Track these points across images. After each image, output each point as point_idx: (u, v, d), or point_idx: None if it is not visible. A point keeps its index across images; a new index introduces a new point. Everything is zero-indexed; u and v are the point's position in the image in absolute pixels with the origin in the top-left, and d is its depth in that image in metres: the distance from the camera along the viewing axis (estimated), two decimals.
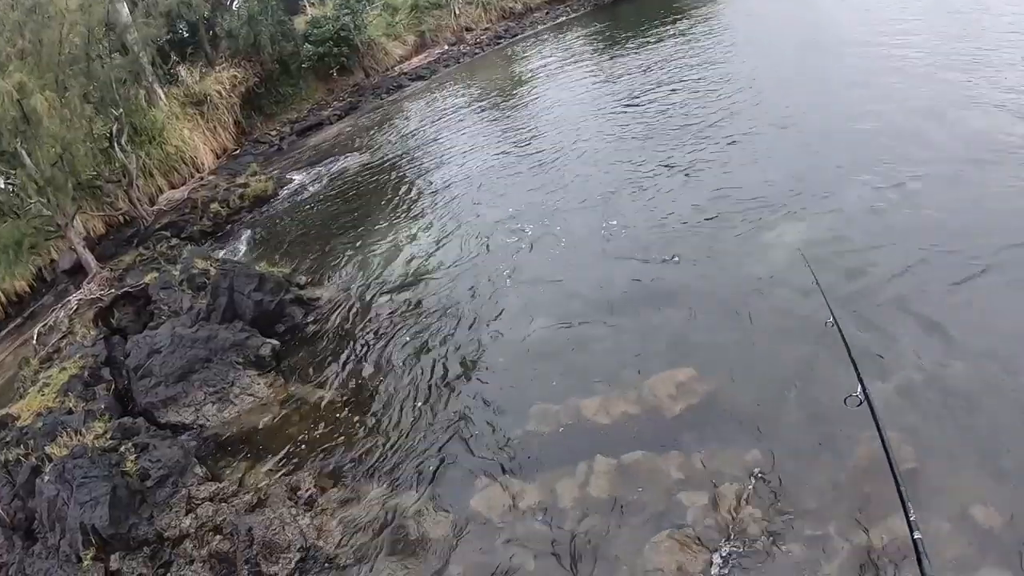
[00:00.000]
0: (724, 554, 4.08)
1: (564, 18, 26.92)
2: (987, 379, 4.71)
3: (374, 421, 6.32)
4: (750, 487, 4.42)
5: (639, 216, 8.29)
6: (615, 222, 8.33)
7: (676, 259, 7.15)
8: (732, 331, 5.97)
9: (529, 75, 18.68)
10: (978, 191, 6.59)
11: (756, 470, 4.54)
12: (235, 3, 24.62)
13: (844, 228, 6.71)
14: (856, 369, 3.52)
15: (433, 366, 6.80)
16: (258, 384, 7.42)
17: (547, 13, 28.28)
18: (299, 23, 23.53)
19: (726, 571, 4.00)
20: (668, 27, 18.54)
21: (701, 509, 4.38)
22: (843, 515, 4.09)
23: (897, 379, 4.86)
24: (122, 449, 6.15)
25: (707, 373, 5.51)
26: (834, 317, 4.33)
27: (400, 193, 12.06)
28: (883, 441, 2.97)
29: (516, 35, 25.94)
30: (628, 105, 12.47)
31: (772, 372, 5.41)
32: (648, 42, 17.54)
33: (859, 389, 3.48)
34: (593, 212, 8.77)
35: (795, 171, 8.07)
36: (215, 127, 19.11)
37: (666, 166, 9.29)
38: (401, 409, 6.33)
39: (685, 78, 12.97)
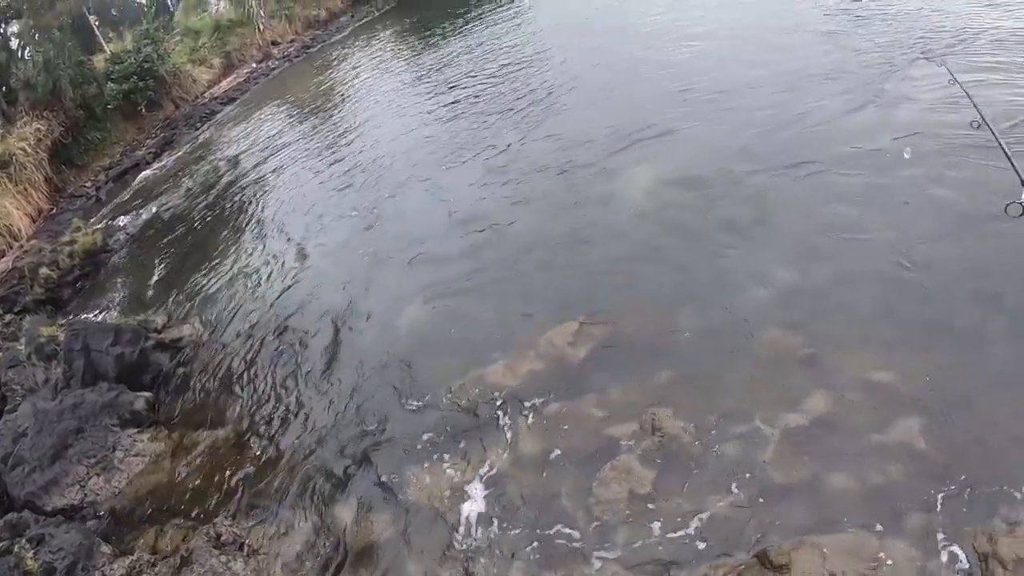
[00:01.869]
0: (664, 469, 4.33)
1: (370, 18, 26.84)
2: (844, 274, 5.37)
3: (273, 447, 6.06)
4: (669, 408, 4.68)
5: (473, 191, 8.67)
6: (452, 199, 8.70)
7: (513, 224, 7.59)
8: (604, 274, 6.33)
9: (341, 81, 18.51)
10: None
11: (672, 389, 4.84)
12: (27, 51, 22.67)
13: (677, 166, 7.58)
14: None
15: (316, 377, 6.64)
16: (141, 442, 6.86)
17: (352, 16, 28.02)
18: (99, 62, 21.80)
19: (671, 483, 4.24)
20: (473, 13, 19.00)
21: (631, 436, 4.61)
22: (765, 405, 4.44)
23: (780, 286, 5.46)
24: (16, 548, 5.52)
25: (596, 315, 5.78)
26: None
27: (233, 220, 11.69)
28: None
29: (325, 42, 25.52)
30: (445, 98, 12.71)
31: (659, 302, 5.74)
32: (456, 31, 17.84)
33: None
34: (429, 197, 9.05)
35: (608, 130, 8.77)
36: (26, 188, 17.60)
37: (491, 146, 9.72)
38: (296, 426, 6.12)
39: (495, 62, 13.42)
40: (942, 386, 4.29)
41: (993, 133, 4.23)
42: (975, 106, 4.77)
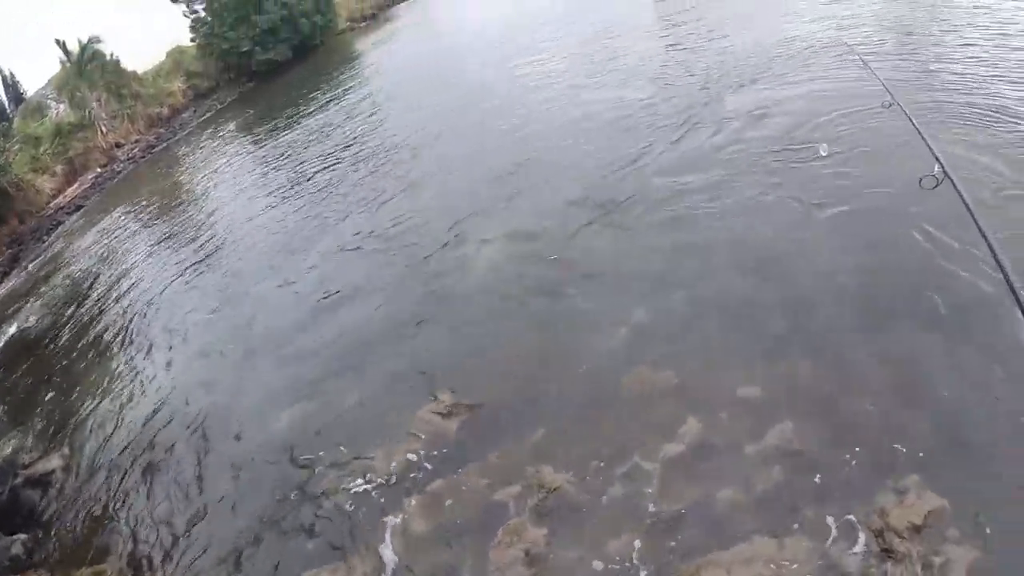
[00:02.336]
0: (556, 524, 4.40)
1: (212, 112, 26.76)
2: (698, 298, 5.67)
3: (171, 562, 5.68)
4: (549, 463, 4.72)
5: (330, 276, 8.63)
6: (309, 287, 8.59)
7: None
8: (465, 341, 6.38)
9: (189, 179, 18.08)
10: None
11: (549, 444, 4.90)
12: None
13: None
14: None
15: (193, 493, 6.32)
16: None
17: (195, 111, 27.88)
18: None
19: (565, 536, 4.29)
20: (315, 95, 19.56)
21: (518, 498, 4.65)
22: (643, 442, 4.53)
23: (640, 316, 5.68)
24: None
25: (464, 385, 5.73)
26: None
27: (94, 336, 11.02)
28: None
29: (170, 140, 25.10)
30: (293, 185, 12.69)
31: (522, 360, 5.77)
32: (300, 115, 18.10)
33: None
34: (287, 287, 8.92)
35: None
36: None
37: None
38: (177, 550, 5.77)
39: (340, 142, 13.74)
40: (806, 387, 4.52)
41: (904, 111, 4.30)
42: (886, 87, 4.94)
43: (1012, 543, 3.28)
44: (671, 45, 12.82)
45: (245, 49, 32.04)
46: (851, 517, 3.66)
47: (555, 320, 6.12)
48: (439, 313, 6.90)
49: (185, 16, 34.18)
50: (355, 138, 13.85)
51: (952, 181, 3.20)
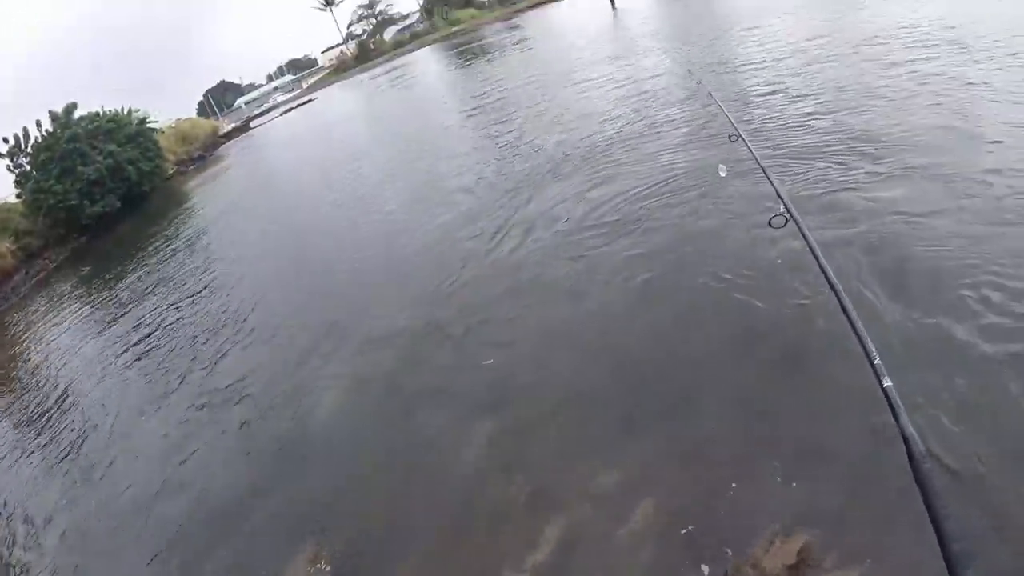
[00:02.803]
0: None
1: (45, 272, 25.78)
2: (551, 391, 5.72)
3: None
4: None
5: (173, 445, 8.19)
6: (152, 462, 8.05)
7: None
8: (319, 489, 6.17)
9: (21, 350, 16.71)
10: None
11: None
12: None
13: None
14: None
15: None
16: None
17: (27, 272, 26.57)
18: None
19: None
20: (148, 247, 19.50)
21: None
22: (508, 556, 4.40)
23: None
24: None
25: (326, 533, 5.47)
26: None
27: None
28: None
29: (1, 307, 23.24)
30: (131, 347, 12.08)
31: (376, 496, 5.66)
32: (133, 270, 17.87)
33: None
34: (132, 463, 8.36)
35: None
36: None
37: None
38: None
39: (175, 296, 13.46)
40: (663, 458, 4.55)
41: (748, 147, 4.53)
42: (731, 121, 5.26)
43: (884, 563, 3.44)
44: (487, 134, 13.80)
45: (73, 203, 30.88)
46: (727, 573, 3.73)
47: (397, 447, 6.05)
48: (288, 465, 6.66)
49: (9, 171, 32.99)
50: (189, 290, 13.72)
51: (796, 220, 3.50)
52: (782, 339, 5.11)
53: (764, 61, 13.30)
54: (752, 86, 11.78)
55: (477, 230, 9.63)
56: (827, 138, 8.33)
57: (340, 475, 6.14)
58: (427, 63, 49.26)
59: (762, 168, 4.29)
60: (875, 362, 2.41)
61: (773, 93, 10.98)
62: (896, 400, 2.26)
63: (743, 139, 4.93)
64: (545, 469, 4.97)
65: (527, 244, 8.59)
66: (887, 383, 2.32)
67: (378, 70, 62.10)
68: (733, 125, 5.36)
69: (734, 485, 4.15)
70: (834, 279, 2.96)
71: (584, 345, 6.11)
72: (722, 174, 6.55)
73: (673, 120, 11.43)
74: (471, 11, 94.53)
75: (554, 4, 72.74)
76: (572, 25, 40.46)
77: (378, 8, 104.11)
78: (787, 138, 8.77)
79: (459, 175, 12.94)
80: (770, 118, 9.75)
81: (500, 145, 14.15)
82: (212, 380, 9.22)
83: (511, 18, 70.76)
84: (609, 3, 45.42)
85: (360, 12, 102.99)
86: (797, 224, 3.45)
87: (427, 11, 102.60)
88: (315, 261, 11.91)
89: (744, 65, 13.54)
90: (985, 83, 8.44)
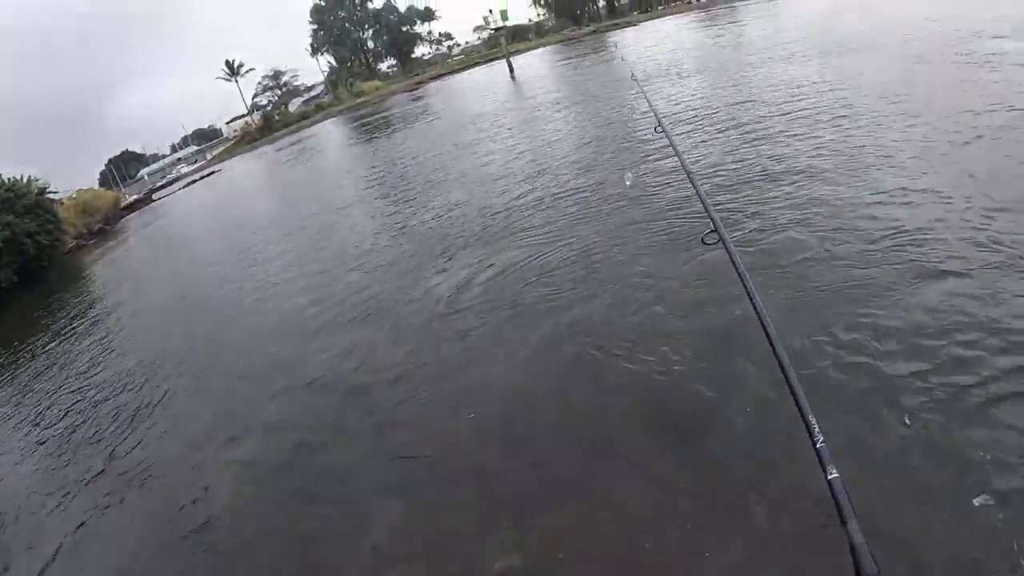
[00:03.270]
0: None
1: None
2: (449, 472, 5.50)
3: None
4: None
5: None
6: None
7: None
8: None
9: None
10: None
11: None
12: None
13: None
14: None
15: None
16: None
17: None
18: None
19: None
20: (45, 326, 18.30)
21: None
22: None
23: None
24: None
25: None
26: None
27: None
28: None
29: None
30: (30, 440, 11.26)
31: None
32: (28, 354, 16.48)
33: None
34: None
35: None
36: None
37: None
38: None
39: (76, 385, 12.31)
40: (569, 534, 4.41)
41: (682, 164, 4.44)
42: (657, 118, 5.19)
43: None
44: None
45: None
46: None
47: (308, 535, 5.64)
48: (187, 557, 6.16)
49: None
50: (86, 371, 12.99)
51: (723, 240, 3.41)
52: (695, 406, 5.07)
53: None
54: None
55: (368, 309, 9.52)
56: (726, 193, 8.84)
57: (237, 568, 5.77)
58: (332, 135, 49.34)
59: (692, 184, 4.15)
60: (818, 445, 2.13)
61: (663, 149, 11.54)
62: (843, 498, 1.95)
63: (687, 175, 4.80)
64: (446, 553, 4.77)
65: (418, 320, 8.52)
66: (832, 474, 2.01)
67: (283, 141, 61.79)
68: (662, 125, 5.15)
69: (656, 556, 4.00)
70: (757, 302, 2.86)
71: (486, 420, 5.98)
72: (628, 183, 6.24)
73: (579, 188, 11.73)
74: (375, 83, 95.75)
75: (456, 75, 74.63)
76: (474, 95, 41.47)
77: (283, 79, 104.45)
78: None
79: (357, 251, 12.84)
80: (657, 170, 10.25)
81: (399, 218, 14.17)
82: (109, 467, 8.66)
83: (415, 89, 71.95)
84: (508, 72, 46.81)
85: (265, 83, 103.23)
86: (726, 245, 3.36)
87: (332, 83, 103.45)
88: (211, 346, 11.37)
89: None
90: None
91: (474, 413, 6.08)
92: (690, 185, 4.67)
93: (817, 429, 2.17)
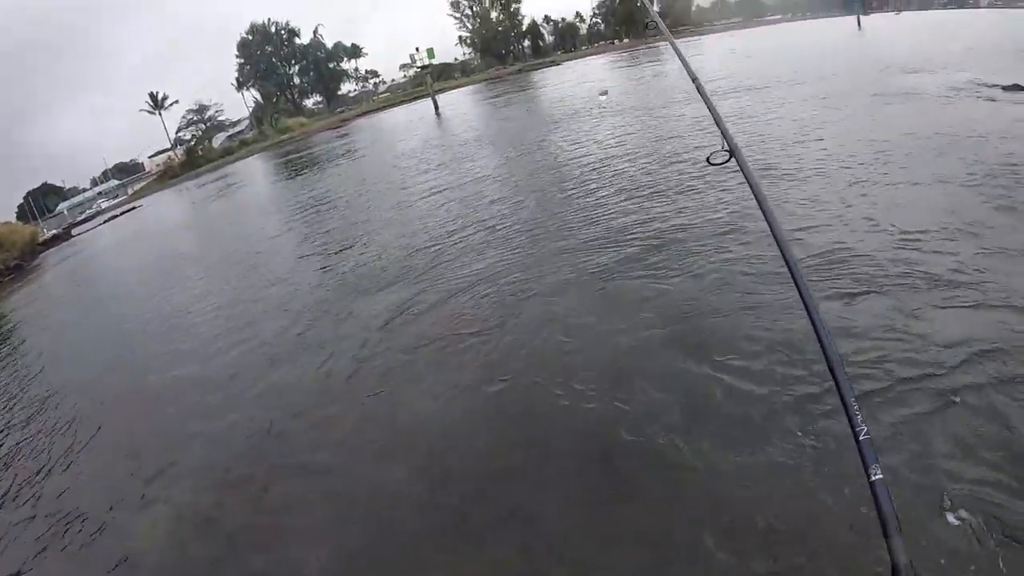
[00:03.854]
0: None
1: None
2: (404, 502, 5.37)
3: None
4: None
5: None
6: None
7: None
8: None
9: None
10: None
11: None
12: None
13: None
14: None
15: None
16: None
17: None
18: None
19: None
20: None
21: None
22: None
23: None
24: None
25: None
26: None
27: None
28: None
29: None
30: None
31: None
32: None
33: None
34: None
35: None
36: None
37: None
38: None
39: None
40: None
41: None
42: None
43: None
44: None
45: None
46: None
47: None
48: None
49: None
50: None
51: (738, 158, 3.07)
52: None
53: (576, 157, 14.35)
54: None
55: (290, 350, 9.33)
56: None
57: None
58: (256, 172, 48.72)
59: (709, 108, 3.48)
60: (861, 438, 1.84)
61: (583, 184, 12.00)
62: (888, 508, 1.71)
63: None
64: None
65: (343, 360, 8.36)
66: (876, 475, 1.76)
67: (207, 177, 60.70)
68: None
69: None
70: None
71: (416, 461, 5.87)
72: (602, 98, 6.08)
73: (503, 225, 11.96)
74: (301, 119, 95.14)
75: (383, 112, 74.81)
76: (400, 132, 41.65)
77: (208, 113, 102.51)
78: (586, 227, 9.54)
79: (280, 291, 12.59)
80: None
81: (322, 257, 14.04)
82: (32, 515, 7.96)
83: (341, 126, 71.78)
84: (433, 110, 47.17)
85: (189, 117, 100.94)
86: (739, 161, 3.06)
87: (257, 118, 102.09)
88: (126, 388, 10.83)
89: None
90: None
91: (404, 454, 5.99)
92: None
93: (860, 418, 1.85)
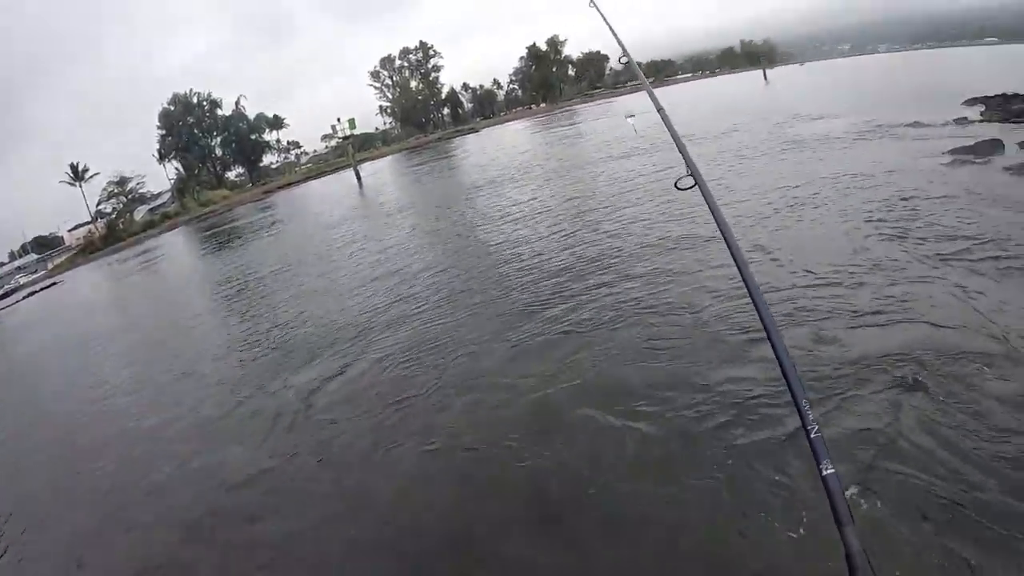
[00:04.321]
0: None
1: None
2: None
3: None
4: None
5: None
6: None
7: None
8: None
9: None
10: None
11: None
12: None
13: None
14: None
15: None
16: None
17: None
18: None
19: None
20: None
21: None
22: None
23: None
24: None
25: None
26: None
27: None
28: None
29: None
30: None
31: None
32: None
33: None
34: None
35: None
36: None
37: None
38: None
39: None
40: None
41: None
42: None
43: None
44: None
45: None
46: None
47: None
48: None
49: None
50: None
51: (700, 184, 3.12)
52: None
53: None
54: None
55: (218, 425, 9.27)
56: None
57: None
58: (178, 246, 47.85)
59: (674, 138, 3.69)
60: (812, 435, 1.95)
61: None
62: (839, 498, 1.80)
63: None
64: None
65: (273, 435, 8.33)
66: (828, 470, 1.85)
67: (128, 252, 59.15)
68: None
69: None
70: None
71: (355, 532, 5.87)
72: (633, 127, 6.13)
73: (425, 292, 12.35)
74: (223, 191, 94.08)
75: (305, 183, 74.69)
76: (323, 204, 41.77)
77: (129, 186, 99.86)
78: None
79: (205, 366, 12.49)
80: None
81: (247, 331, 13.99)
82: None
83: (264, 198, 71.33)
84: (356, 180, 47.57)
85: (111, 189, 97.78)
86: (701, 188, 3.05)
87: (179, 190, 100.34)
88: (44, 469, 10.35)
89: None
90: None
91: (345, 525, 5.94)
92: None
93: (812, 417, 1.96)
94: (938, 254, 8.09)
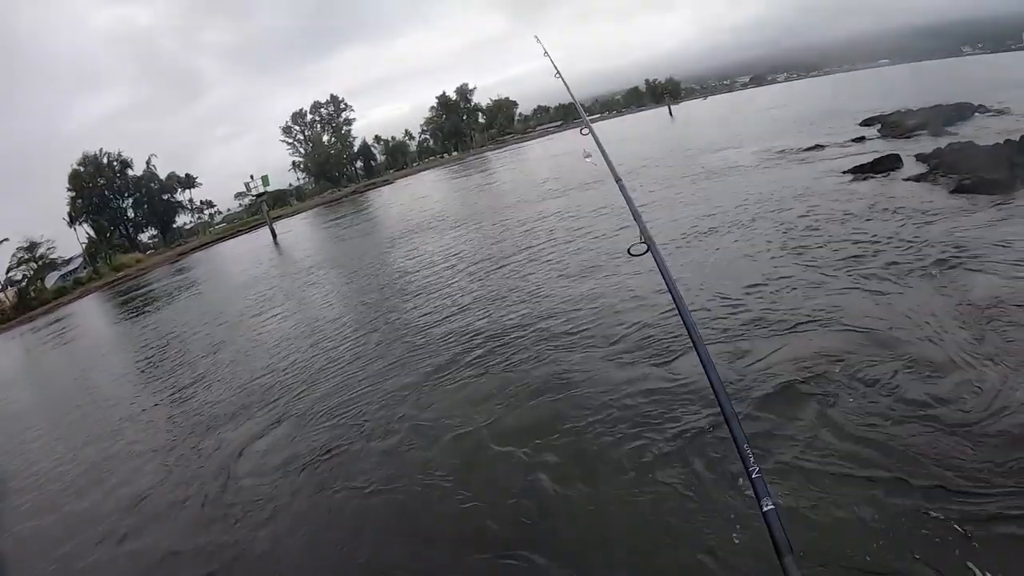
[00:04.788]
0: None
1: None
2: None
3: None
4: None
5: None
6: None
7: None
8: None
9: None
10: None
11: None
12: None
13: None
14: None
15: None
16: None
17: None
18: None
19: None
20: None
21: None
22: None
23: None
24: None
25: None
26: None
27: None
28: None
29: None
30: None
31: None
32: None
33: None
34: None
35: None
36: None
37: None
38: None
39: None
40: None
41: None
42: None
43: None
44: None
45: None
46: None
47: None
48: None
49: None
50: None
51: (653, 249, 3.30)
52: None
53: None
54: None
55: (145, 497, 9.02)
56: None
57: None
58: (93, 313, 45.93)
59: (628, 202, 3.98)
60: (753, 476, 2.00)
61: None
62: (779, 531, 1.84)
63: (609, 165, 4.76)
64: None
65: (200, 501, 8.26)
66: (768, 506, 1.90)
67: (41, 321, 56.49)
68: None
69: None
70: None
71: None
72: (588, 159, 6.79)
73: (344, 344, 12.78)
74: (136, 255, 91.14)
75: (220, 243, 73.24)
76: (239, 264, 41.26)
77: (39, 251, 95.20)
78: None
79: (128, 438, 12.20)
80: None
81: (170, 396, 13.90)
82: None
83: (178, 260, 69.64)
84: (271, 238, 47.33)
85: (20, 255, 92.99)
86: (654, 254, 3.20)
87: (91, 255, 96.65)
88: None
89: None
90: None
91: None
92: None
93: (752, 459, 2.01)
94: (846, 265, 9.18)
